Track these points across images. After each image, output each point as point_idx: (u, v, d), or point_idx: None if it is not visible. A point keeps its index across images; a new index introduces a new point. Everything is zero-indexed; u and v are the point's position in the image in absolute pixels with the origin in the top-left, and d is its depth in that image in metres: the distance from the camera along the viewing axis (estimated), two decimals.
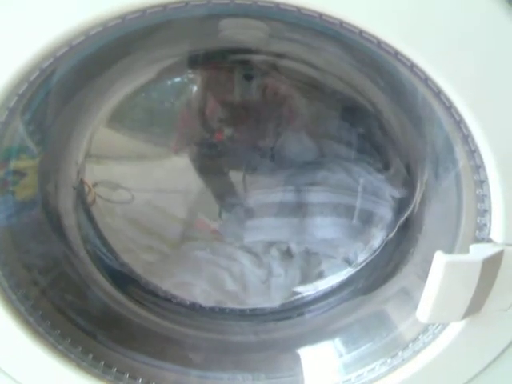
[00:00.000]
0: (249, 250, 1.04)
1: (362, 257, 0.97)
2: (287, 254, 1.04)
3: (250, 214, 1.05)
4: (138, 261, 0.97)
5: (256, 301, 0.96)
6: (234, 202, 1.09)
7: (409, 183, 0.91)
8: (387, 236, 0.94)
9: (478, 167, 0.52)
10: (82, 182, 0.93)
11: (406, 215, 0.89)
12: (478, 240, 0.56)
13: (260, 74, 1.00)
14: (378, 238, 0.96)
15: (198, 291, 0.95)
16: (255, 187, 1.07)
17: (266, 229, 1.03)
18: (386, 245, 0.94)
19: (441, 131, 0.59)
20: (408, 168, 0.91)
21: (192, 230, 1.08)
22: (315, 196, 1.03)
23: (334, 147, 1.06)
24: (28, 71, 0.50)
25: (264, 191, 1.06)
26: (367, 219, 0.99)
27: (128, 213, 1.03)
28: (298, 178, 1.05)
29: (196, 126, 1.05)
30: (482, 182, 0.53)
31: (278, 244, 1.04)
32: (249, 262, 1.01)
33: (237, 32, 0.77)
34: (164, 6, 0.49)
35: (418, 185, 0.84)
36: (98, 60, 0.65)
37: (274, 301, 0.96)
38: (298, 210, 1.03)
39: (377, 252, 0.95)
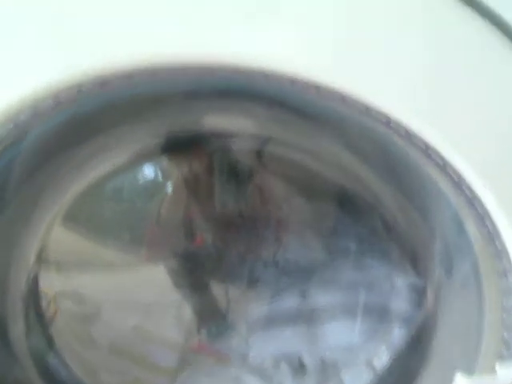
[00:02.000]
0: (257, 369, 0.94)
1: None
2: (300, 368, 0.94)
3: (253, 328, 0.97)
4: None
5: None
6: (235, 318, 1.00)
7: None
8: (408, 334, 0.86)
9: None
10: (37, 293, 0.83)
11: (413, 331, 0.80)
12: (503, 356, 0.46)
13: (247, 175, 0.95)
14: (398, 336, 0.87)
15: None
16: (256, 299, 0.99)
17: (273, 341, 0.95)
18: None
19: (449, 210, 0.53)
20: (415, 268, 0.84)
21: (190, 354, 0.97)
22: (324, 298, 0.96)
23: (339, 242, 0.99)
24: None
25: (267, 301, 0.98)
26: (386, 317, 0.91)
27: (113, 342, 0.92)
28: (304, 282, 0.98)
29: (173, 234, 0.98)
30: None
31: (288, 357, 0.95)
32: None
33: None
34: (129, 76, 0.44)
35: (428, 288, 0.76)
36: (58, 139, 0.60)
37: None
38: (307, 316, 0.96)
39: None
